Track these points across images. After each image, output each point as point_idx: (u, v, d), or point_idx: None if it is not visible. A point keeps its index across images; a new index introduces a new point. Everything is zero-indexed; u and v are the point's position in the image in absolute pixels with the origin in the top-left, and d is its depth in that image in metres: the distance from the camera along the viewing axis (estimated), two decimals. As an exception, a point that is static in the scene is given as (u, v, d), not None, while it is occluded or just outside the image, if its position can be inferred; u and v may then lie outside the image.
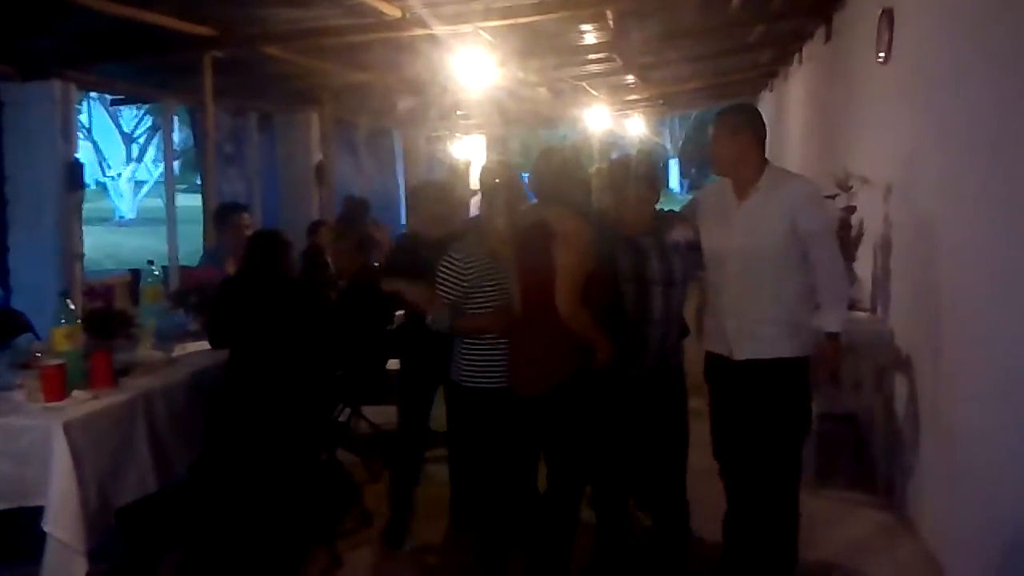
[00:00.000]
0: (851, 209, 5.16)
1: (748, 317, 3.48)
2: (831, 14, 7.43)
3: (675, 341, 3.62)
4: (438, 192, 4.29)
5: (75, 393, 3.58)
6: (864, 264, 5.26)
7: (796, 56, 10.33)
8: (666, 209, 3.81)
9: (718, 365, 3.64)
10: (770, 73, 12.83)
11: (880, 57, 5.19)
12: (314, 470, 4.12)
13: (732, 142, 3.49)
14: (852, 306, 5.13)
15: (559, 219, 3.37)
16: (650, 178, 3.60)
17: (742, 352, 3.51)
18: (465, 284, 3.64)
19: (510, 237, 3.59)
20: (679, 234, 3.59)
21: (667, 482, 3.71)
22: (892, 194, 4.85)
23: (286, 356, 3.95)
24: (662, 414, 3.63)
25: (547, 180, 3.52)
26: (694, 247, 3.62)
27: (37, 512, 3.27)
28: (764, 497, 3.57)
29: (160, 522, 3.59)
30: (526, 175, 4.18)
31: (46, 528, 3.25)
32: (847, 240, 5.07)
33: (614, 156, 3.80)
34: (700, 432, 3.73)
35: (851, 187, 5.17)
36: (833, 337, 3.48)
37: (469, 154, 14.40)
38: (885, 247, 4.93)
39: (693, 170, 37.51)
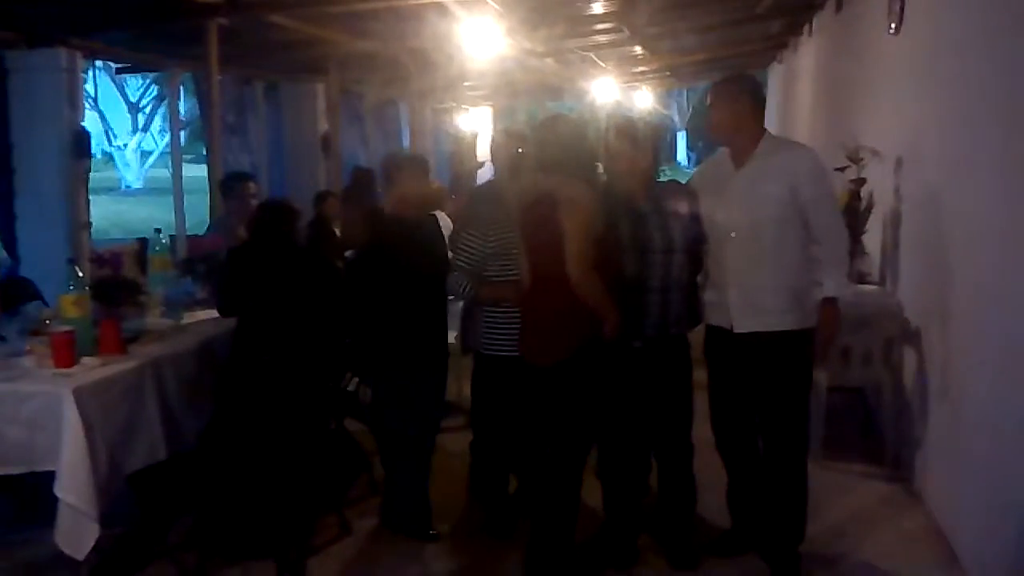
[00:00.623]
0: (861, 181, 5.14)
1: (751, 286, 3.46)
2: (842, -16, 7.37)
3: (677, 310, 3.59)
4: (425, 167, 4.12)
5: (84, 360, 3.59)
6: (873, 237, 5.24)
7: (806, 27, 10.24)
8: (669, 180, 3.80)
9: (718, 338, 3.63)
10: (779, 44, 12.72)
11: (891, 28, 5.14)
12: (323, 438, 4.13)
13: (730, 110, 3.47)
14: (861, 279, 5.13)
15: (562, 187, 3.35)
16: (647, 144, 3.57)
17: (744, 325, 3.50)
18: (487, 253, 3.69)
19: (518, 209, 3.59)
20: (678, 205, 3.57)
21: (672, 453, 3.72)
22: (902, 166, 4.83)
23: (294, 325, 3.96)
24: (665, 385, 3.63)
25: (551, 150, 3.48)
26: (697, 219, 3.61)
27: (49, 477, 3.30)
28: (772, 470, 3.58)
29: (171, 488, 3.61)
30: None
31: (58, 493, 3.27)
32: (856, 212, 5.05)
33: (614, 122, 3.76)
34: (701, 404, 3.74)
35: (861, 159, 5.14)
36: (831, 302, 3.45)
37: (475, 126, 14.33)
38: (895, 220, 4.91)
39: (700, 144, 37.31)
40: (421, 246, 3.94)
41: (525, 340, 3.56)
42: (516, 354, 3.63)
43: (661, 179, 3.69)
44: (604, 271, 3.32)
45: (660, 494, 3.80)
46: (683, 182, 3.86)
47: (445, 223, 4.98)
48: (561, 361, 3.39)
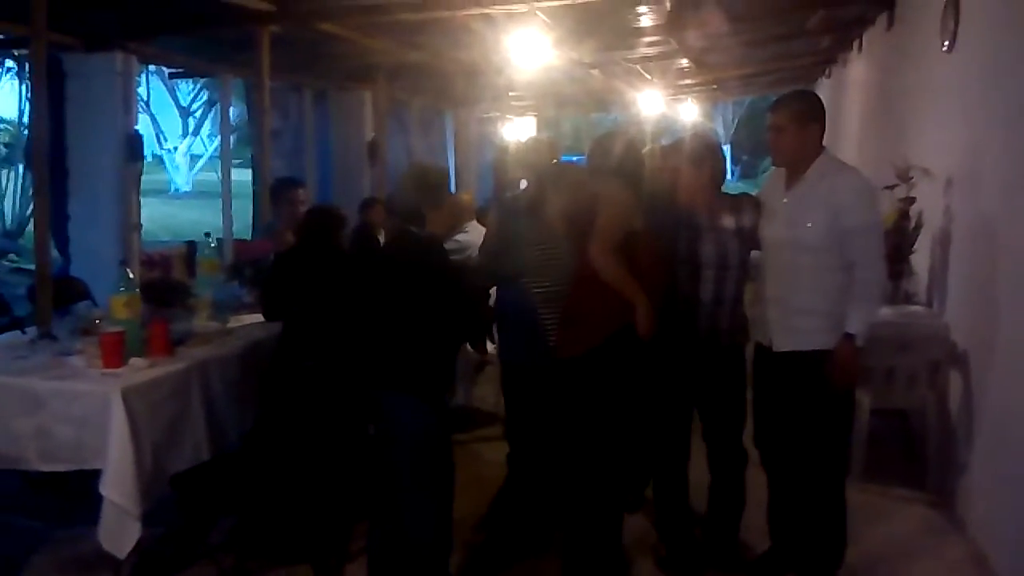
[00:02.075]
0: (910, 200, 5.07)
1: (789, 307, 3.45)
2: (894, 1, 7.28)
3: (729, 323, 3.60)
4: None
5: (133, 360, 3.65)
6: (922, 257, 5.17)
7: (856, 43, 10.13)
8: (739, 192, 3.80)
9: (760, 355, 3.63)
10: (828, 60, 12.58)
11: (945, 46, 5.07)
12: (362, 445, 4.15)
13: (800, 135, 3.40)
14: (908, 299, 5.06)
15: (603, 187, 3.42)
16: (707, 160, 3.59)
17: (782, 344, 3.49)
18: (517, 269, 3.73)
19: (563, 215, 3.62)
20: (741, 220, 3.56)
21: (724, 461, 3.74)
22: (953, 187, 4.75)
23: (337, 331, 3.99)
24: (717, 395, 3.66)
25: (609, 160, 3.51)
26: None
27: (95, 475, 3.36)
28: (808, 491, 3.54)
29: (213, 489, 3.65)
30: (571, 157, 4.18)
31: (103, 491, 3.32)
32: (904, 232, 4.99)
33: (663, 140, 3.81)
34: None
35: (911, 178, 5.08)
36: (850, 338, 3.32)
37: (520, 136, 14.37)
38: (944, 240, 4.83)
39: (745, 157, 37.02)
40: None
41: (559, 338, 3.56)
42: (544, 363, 3.64)
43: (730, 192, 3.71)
44: (642, 270, 3.34)
45: (710, 501, 3.82)
46: (752, 194, 3.85)
47: (480, 231, 5.02)
48: (592, 349, 3.39)
